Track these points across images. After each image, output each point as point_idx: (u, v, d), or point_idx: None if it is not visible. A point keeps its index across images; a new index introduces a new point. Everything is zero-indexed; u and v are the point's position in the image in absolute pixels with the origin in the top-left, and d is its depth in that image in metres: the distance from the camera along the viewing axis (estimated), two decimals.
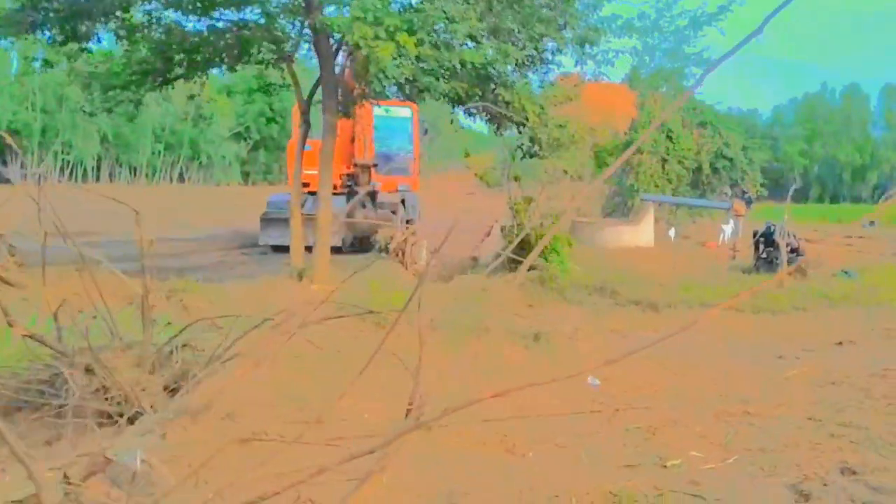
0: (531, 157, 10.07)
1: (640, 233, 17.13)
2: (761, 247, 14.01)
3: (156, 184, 62.46)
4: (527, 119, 8.41)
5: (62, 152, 56.07)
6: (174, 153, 63.42)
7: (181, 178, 65.70)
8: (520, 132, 9.94)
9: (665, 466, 4.50)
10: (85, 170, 60.65)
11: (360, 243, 12.94)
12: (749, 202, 19.88)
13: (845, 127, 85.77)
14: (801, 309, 10.34)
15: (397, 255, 13.47)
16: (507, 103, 8.58)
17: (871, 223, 26.21)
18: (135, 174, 64.91)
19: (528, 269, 12.15)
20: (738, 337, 8.75)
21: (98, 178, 62.82)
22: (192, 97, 11.65)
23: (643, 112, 15.92)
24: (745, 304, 10.38)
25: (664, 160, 19.78)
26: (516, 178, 13.65)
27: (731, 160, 21.15)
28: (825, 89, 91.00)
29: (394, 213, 17.25)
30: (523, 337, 7.82)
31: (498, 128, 9.90)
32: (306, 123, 10.43)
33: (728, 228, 18.71)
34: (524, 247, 12.66)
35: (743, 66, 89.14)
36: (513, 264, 12.49)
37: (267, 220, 16.57)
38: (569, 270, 12.16)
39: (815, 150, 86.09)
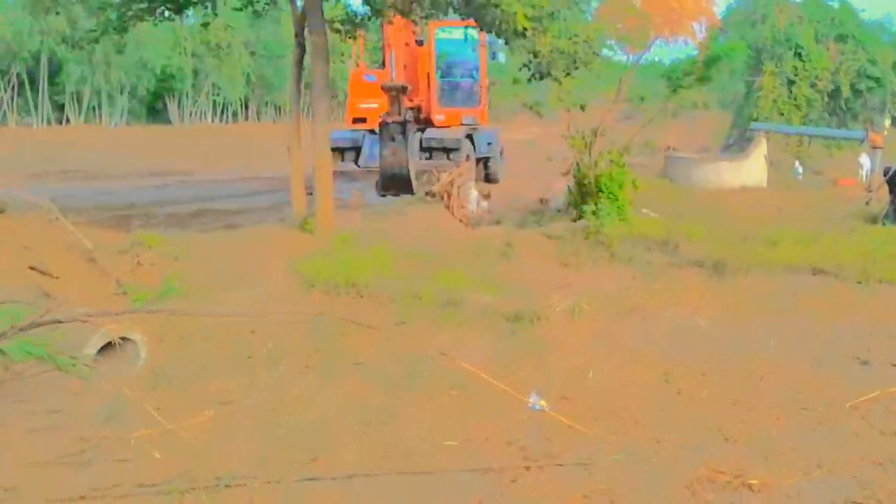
0: (540, 78, 7.63)
1: (747, 170, 14.01)
2: None
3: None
4: (519, 28, 6.10)
5: (212, 93, 57.27)
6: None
7: None
8: (506, 43, 7.44)
9: None
10: (235, 110, 61.98)
11: (396, 187, 10.97)
12: None
13: None
14: None
15: (442, 198, 11.44)
16: (488, 4, 6.26)
17: None
18: (279, 113, 65.75)
19: (578, 218, 9.82)
20: (819, 317, 6.16)
21: (247, 118, 64.06)
22: (205, 25, 9.93)
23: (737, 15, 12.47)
24: (852, 266, 7.63)
25: (791, 82, 16.24)
26: (581, 108, 11.13)
27: (877, 80, 17.17)
28: None
29: (451, 150, 15.08)
30: (500, 317, 5.70)
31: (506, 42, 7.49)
32: (300, 46, 8.51)
33: (866, 163, 15.11)
34: (585, 190, 10.34)
35: None
36: (578, 211, 10.20)
37: None
38: (628, 219, 9.67)
39: None
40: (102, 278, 6.82)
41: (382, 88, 10.88)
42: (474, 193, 11.61)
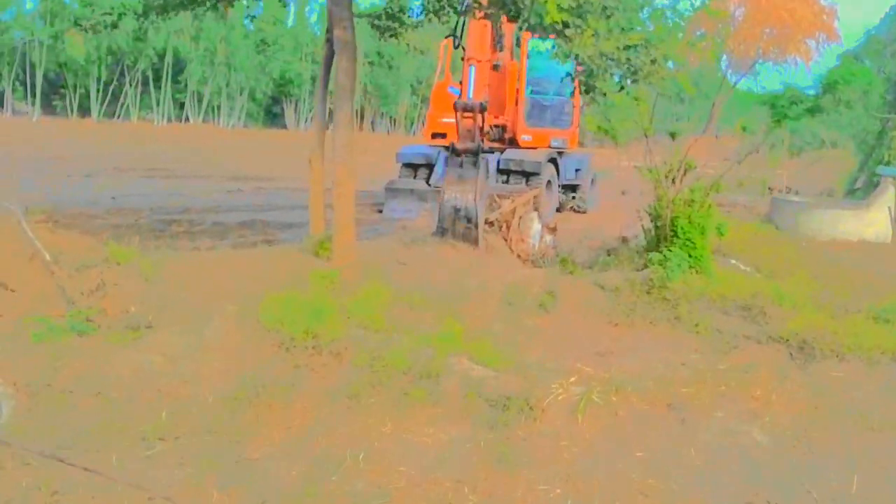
0: (587, 91, 6.09)
1: (868, 221, 11.86)
2: None
3: (413, 133, 62.99)
4: (547, 21, 4.67)
5: (329, 101, 58.13)
6: (427, 105, 63.41)
7: None
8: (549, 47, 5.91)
9: None
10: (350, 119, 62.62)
11: (456, 232, 8.97)
12: None
13: None
14: None
15: (500, 228, 10.11)
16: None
17: None
18: (394, 125, 66.06)
19: (645, 267, 8.26)
20: None
21: (361, 127, 64.83)
22: (252, 18, 9.03)
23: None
24: None
25: None
26: (672, 136, 9.58)
27: None
28: None
29: (531, 174, 13.66)
30: (485, 401, 4.35)
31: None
32: (329, 43, 7.45)
33: None
34: (659, 233, 8.75)
35: None
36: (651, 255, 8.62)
37: (392, 191, 13.68)
38: (708, 272, 8.01)
39: None
40: (63, 295, 5.97)
41: (455, 107, 9.55)
42: (537, 226, 10.21)
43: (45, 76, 37.91)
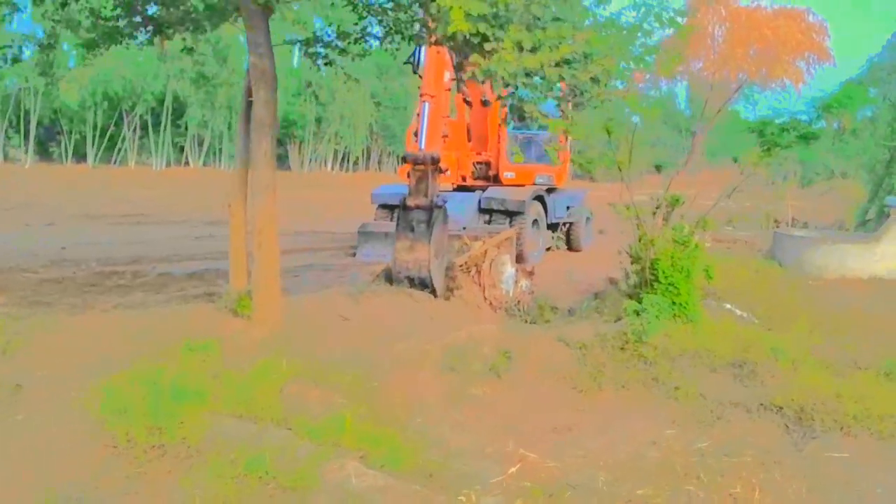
0: (521, 118, 5.03)
1: (880, 256, 10.75)
2: None
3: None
4: (450, 31, 3.72)
5: (334, 141, 57.84)
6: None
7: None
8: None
9: None
10: (357, 158, 62.32)
11: (410, 287, 8.08)
12: None
13: None
14: None
15: (470, 273, 9.11)
16: None
17: None
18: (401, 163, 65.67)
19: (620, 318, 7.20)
20: None
21: (367, 167, 64.39)
22: (189, 51, 8.15)
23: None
24: None
25: None
26: (657, 168, 8.55)
27: None
28: None
29: (514, 213, 12.69)
30: None
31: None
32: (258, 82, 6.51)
33: None
34: (643, 277, 7.72)
35: None
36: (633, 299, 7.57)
37: (365, 234, 12.71)
38: (696, 321, 6.95)
39: None
40: None
41: (404, 159, 8.65)
42: (510, 270, 9.20)
43: (40, 123, 37.60)
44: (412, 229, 8.13)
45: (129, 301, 8.89)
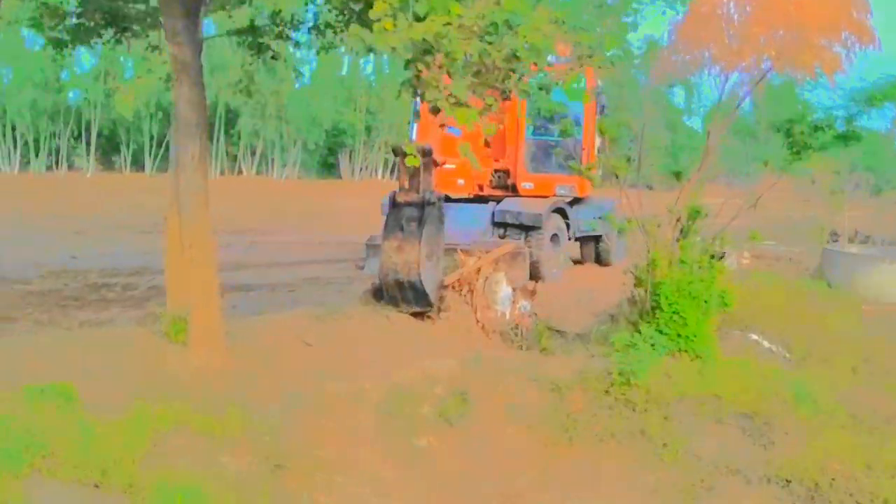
0: (434, 112, 4.06)
1: None
2: None
3: None
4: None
5: (384, 150, 57.69)
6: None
7: None
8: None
9: None
10: None
11: (403, 299, 7.26)
12: None
13: None
14: None
15: (462, 293, 8.17)
16: None
17: None
18: None
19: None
20: None
21: (392, 172, 64.24)
22: (155, 49, 7.46)
23: None
24: None
25: None
26: (677, 176, 7.52)
27: None
28: None
29: (531, 228, 11.64)
30: None
31: None
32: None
33: None
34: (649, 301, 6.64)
35: None
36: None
37: (373, 247, 11.79)
38: (707, 356, 5.84)
39: None
40: None
41: (393, 151, 7.85)
42: (506, 290, 8.19)
43: (100, 133, 38.31)
44: (402, 228, 7.31)
45: (100, 318, 8.32)
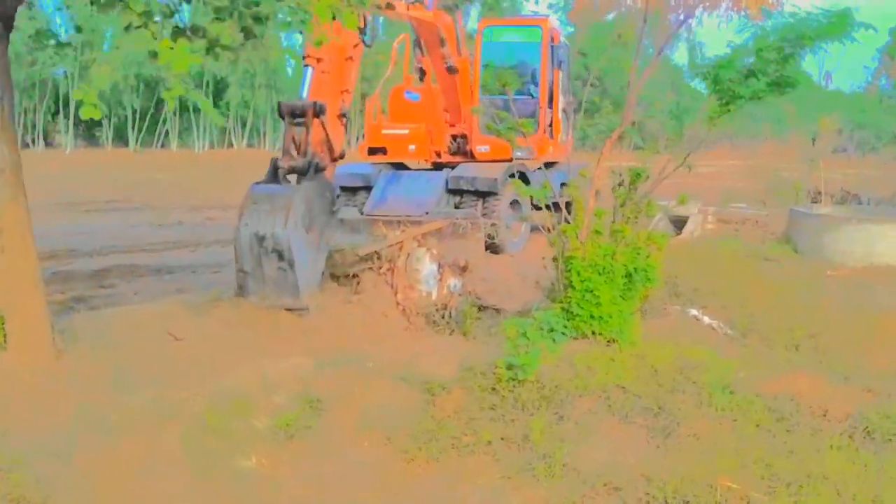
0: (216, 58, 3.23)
1: None
2: None
3: None
4: None
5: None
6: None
7: None
8: None
9: None
10: None
11: (266, 285, 6.26)
12: None
13: None
14: None
15: (380, 271, 7.41)
16: None
17: None
18: None
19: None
20: None
21: None
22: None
23: None
24: None
25: None
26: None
27: None
28: None
29: (487, 194, 10.74)
30: None
31: None
32: None
33: None
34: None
35: None
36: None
37: None
38: (625, 340, 5.07)
39: None
40: None
41: (279, 111, 7.02)
42: (431, 267, 7.42)
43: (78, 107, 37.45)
44: (271, 195, 6.43)
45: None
